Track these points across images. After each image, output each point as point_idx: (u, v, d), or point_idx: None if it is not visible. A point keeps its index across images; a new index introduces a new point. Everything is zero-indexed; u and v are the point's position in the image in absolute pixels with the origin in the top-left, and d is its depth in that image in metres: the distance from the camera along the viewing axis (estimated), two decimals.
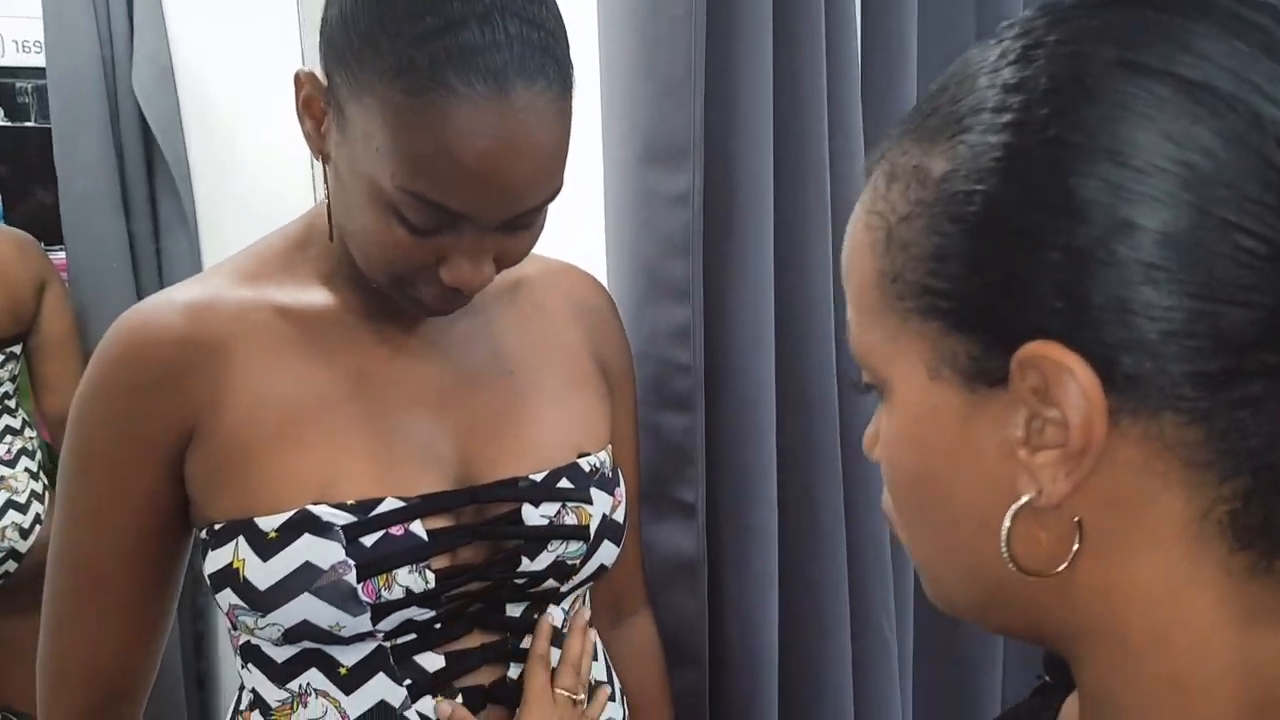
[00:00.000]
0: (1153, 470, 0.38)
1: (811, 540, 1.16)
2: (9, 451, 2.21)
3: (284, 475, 0.78)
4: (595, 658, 0.93)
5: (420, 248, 0.74)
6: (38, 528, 2.21)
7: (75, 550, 0.83)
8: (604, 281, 1.04)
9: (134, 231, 2.04)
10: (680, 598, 1.12)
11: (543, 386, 0.90)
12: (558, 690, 0.84)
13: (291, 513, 0.77)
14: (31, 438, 2.24)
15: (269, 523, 0.77)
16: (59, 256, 2.17)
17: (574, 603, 0.90)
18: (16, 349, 2.21)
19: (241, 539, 0.77)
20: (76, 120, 1.98)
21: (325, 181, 0.81)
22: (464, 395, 0.86)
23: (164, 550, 0.84)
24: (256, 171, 1.87)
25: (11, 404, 2.25)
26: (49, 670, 0.86)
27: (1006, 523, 0.40)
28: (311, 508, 0.77)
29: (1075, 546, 0.40)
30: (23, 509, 2.17)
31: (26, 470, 2.21)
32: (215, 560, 0.79)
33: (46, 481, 2.27)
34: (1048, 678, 0.55)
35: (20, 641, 1.97)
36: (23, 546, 2.17)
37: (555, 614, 0.87)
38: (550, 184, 0.74)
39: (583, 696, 0.86)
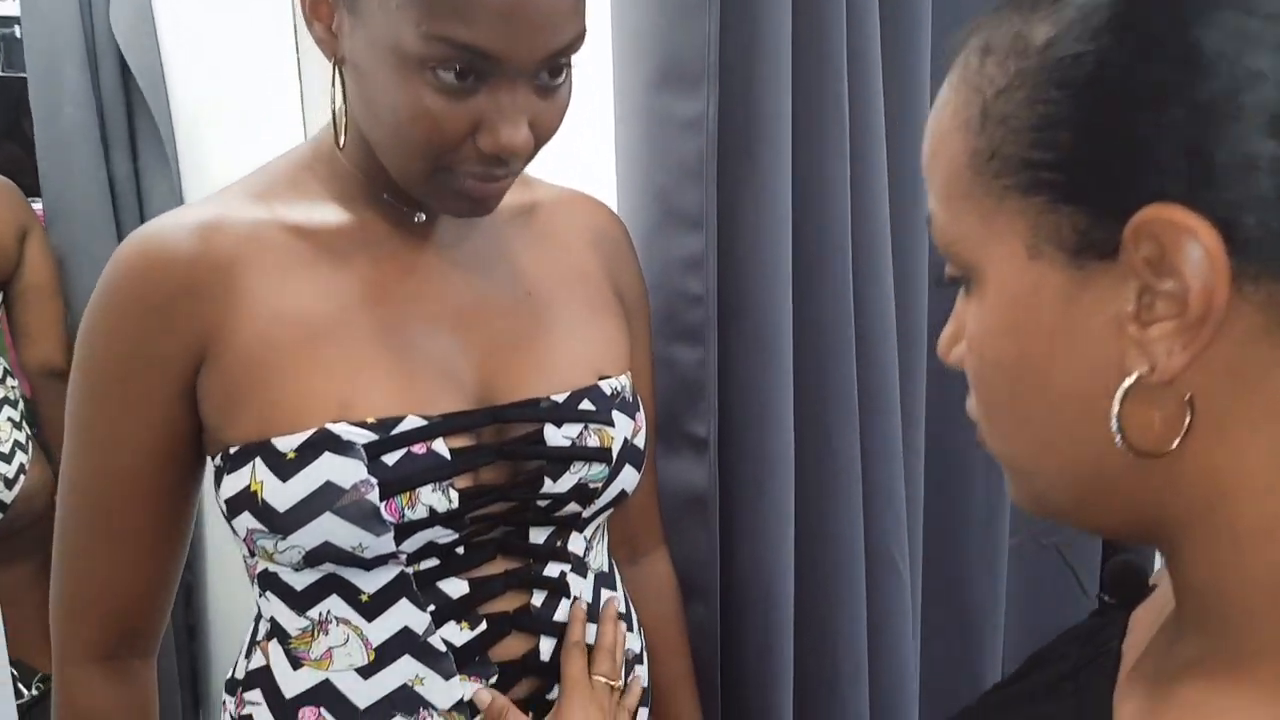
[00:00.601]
0: (1273, 340, 0.36)
1: (825, 474, 1.15)
2: None
3: (301, 394, 0.76)
4: (614, 588, 0.91)
5: (454, 114, 0.71)
6: (22, 478, 2.18)
7: (86, 479, 0.80)
8: (614, 208, 1.02)
9: (114, 174, 1.99)
10: (692, 533, 1.11)
11: (561, 308, 0.88)
12: (595, 677, 0.83)
13: (311, 432, 0.74)
14: (13, 387, 2.20)
15: (287, 443, 0.74)
16: (35, 207, 2.13)
17: (595, 531, 0.89)
18: None
19: (259, 461, 0.75)
20: (53, 61, 1.93)
21: (340, 90, 0.78)
22: (482, 315, 0.84)
23: (177, 480, 0.81)
24: (241, 111, 1.82)
25: None
26: (62, 606, 0.84)
27: (1117, 402, 0.38)
28: (331, 426, 0.75)
29: (1186, 425, 0.38)
30: (6, 459, 2.14)
31: (9, 420, 2.17)
32: (232, 484, 0.77)
33: (30, 431, 2.24)
34: (1107, 597, 0.54)
35: (10, 591, 1.94)
36: (7, 497, 2.14)
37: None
38: (577, 20, 0.73)
39: (620, 683, 0.86)
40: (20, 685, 2.04)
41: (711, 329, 1.07)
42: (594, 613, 0.87)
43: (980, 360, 0.44)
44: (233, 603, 2.14)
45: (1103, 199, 0.38)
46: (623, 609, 0.91)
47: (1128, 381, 0.38)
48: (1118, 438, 0.39)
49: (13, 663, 1.96)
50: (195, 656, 2.19)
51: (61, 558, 0.83)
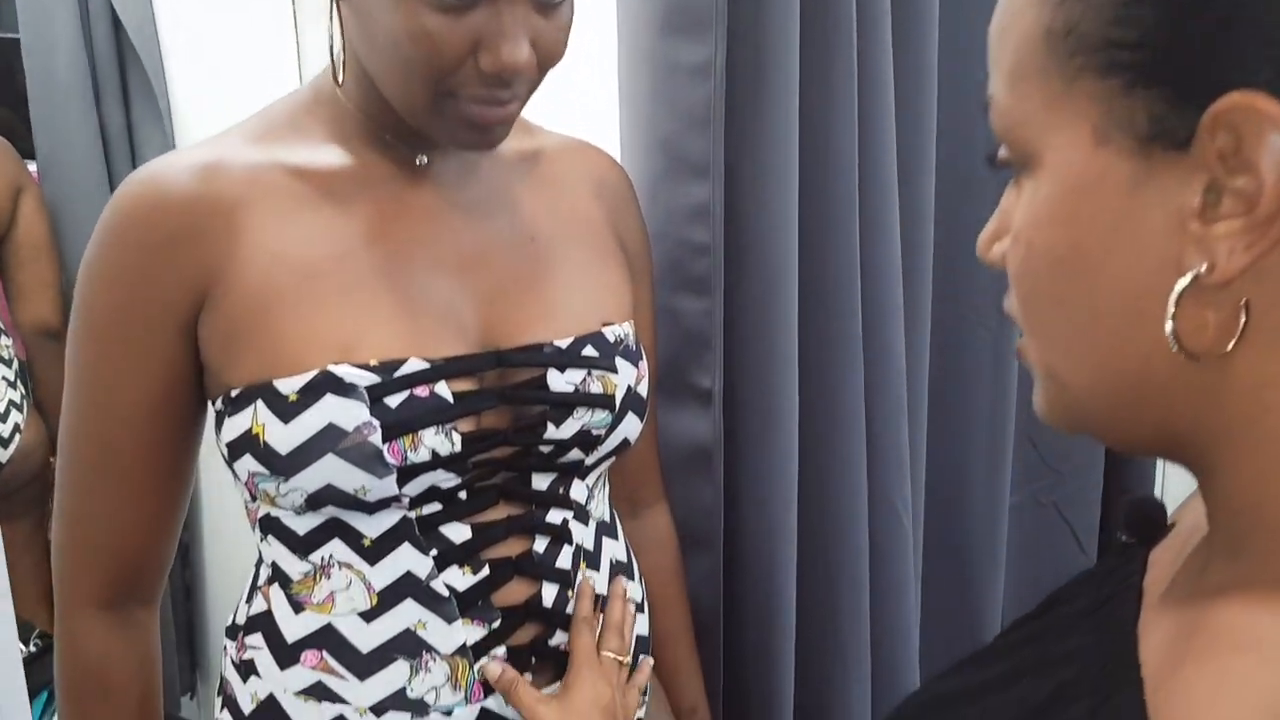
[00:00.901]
0: None
1: (828, 425, 1.14)
2: None
3: (303, 336, 0.75)
4: (615, 537, 0.91)
5: (453, 33, 0.70)
6: (17, 437, 2.17)
7: (87, 424, 0.80)
8: (618, 158, 1.00)
9: (106, 127, 1.97)
10: (696, 484, 1.10)
11: (564, 254, 0.87)
12: (604, 653, 0.83)
13: (313, 374, 0.73)
14: (7, 346, 2.19)
15: (289, 385, 0.73)
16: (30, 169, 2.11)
17: (597, 480, 0.88)
18: None
19: (260, 403, 0.74)
20: (45, 13, 1.90)
21: (338, 26, 0.77)
22: (484, 259, 0.83)
23: (178, 424, 0.80)
24: (234, 62, 1.79)
25: None
26: (64, 552, 0.83)
27: (1172, 301, 0.37)
28: (333, 368, 0.74)
29: (1240, 331, 0.36)
30: (1, 418, 2.13)
31: (3, 379, 2.16)
32: (233, 427, 0.76)
33: (24, 391, 2.22)
34: (1126, 537, 0.53)
35: (7, 550, 1.94)
36: (2, 457, 2.13)
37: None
38: None
39: (628, 659, 0.85)
40: (19, 642, 2.04)
41: (717, 279, 1.06)
42: (594, 560, 0.86)
43: (1028, 253, 0.42)
44: (230, 564, 2.14)
45: (1183, 84, 0.36)
46: (623, 558, 0.91)
47: (1184, 280, 0.37)
48: (1170, 337, 0.37)
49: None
50: (192, 617, 2.19)
51: (63, 504, 0.82)
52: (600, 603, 0.86)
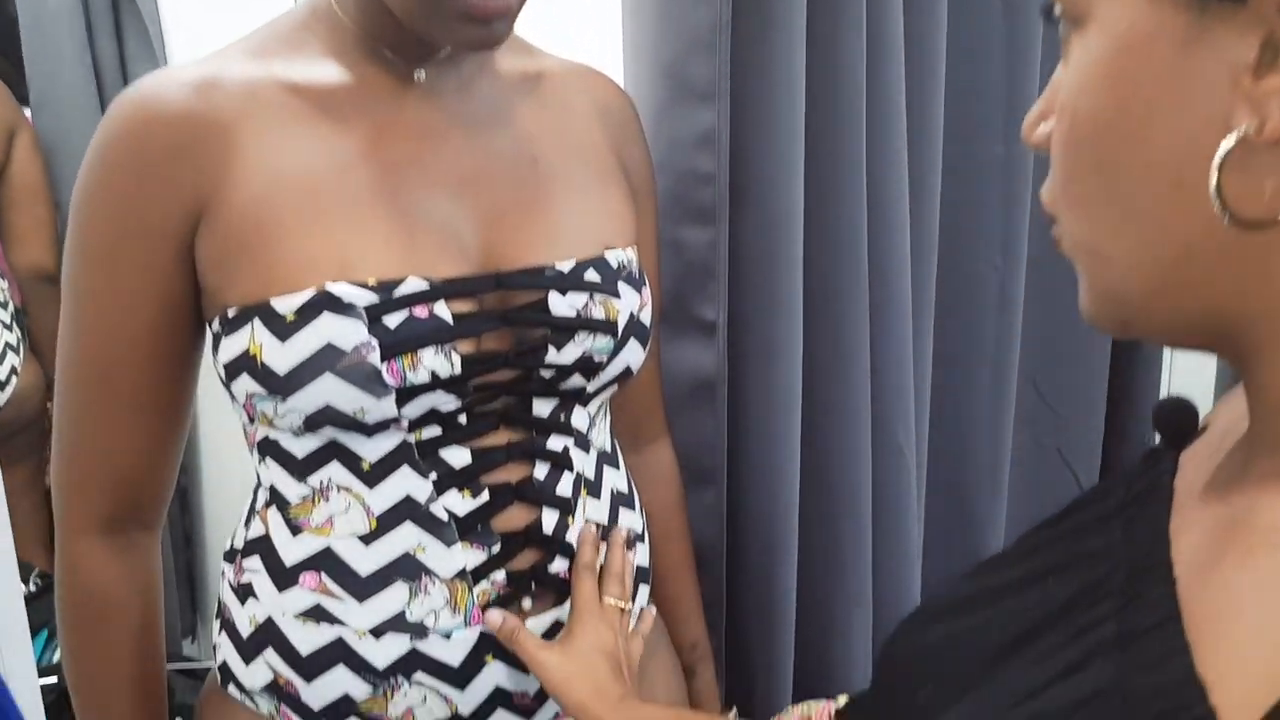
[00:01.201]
0: None
1: (832, 357, 1.12)
2: None
3: (300, 255, 0.73)
4: (616, 467, 0.90)
5: None
6: (14, 380, 2.16)
7: (84, 347, 0.78)
8: (620, 84, 0.98)
9: (99, 60, 1.94)
10: (699, 418, 1.09)
11: (567, 176, 0.85)
12: (606, 599, 0.82)
13: (310, 292, 0.72)
14: (3, 289, 2.17)
15: (286, 304, 0.72)
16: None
17: (599, 408, 0.87)
18: None
19: (257, 322, 0.73)
20: None
21: None
22: (485, 179, 0.81)
23: (176, 345, 0.79)
24: None
25: None
26: (64, 477, 0.82)
27: (1217, 158, 0.35)
28: (331, 287, 0.72)
29: None
30: None
31: (0, 323, 2.14)
32: (230, 347, 0.74)
33: (20, 334, 2.21)
34: (1158, 441, 0.51)
35: (7, 495, 1.93)
36: None
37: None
38: None
39: (630, 605, 0.84)
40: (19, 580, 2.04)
41: (722, 209, 1.04)
42: (595, 489, 0.85)
43: (1073, 122, 0.41)
44: (230, 509, 2.14)
45: None
46: (624, 488, 0.90)
47: (1232, 138, 0.35)
48: (1215, 200, 0.36)
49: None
50: (192, 560, 2.20)
51: (62, 428, 0.81)
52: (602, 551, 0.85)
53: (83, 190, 0.76)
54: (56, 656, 2.01)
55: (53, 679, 1.56)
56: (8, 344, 2.16)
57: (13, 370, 2.17)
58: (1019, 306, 1.38)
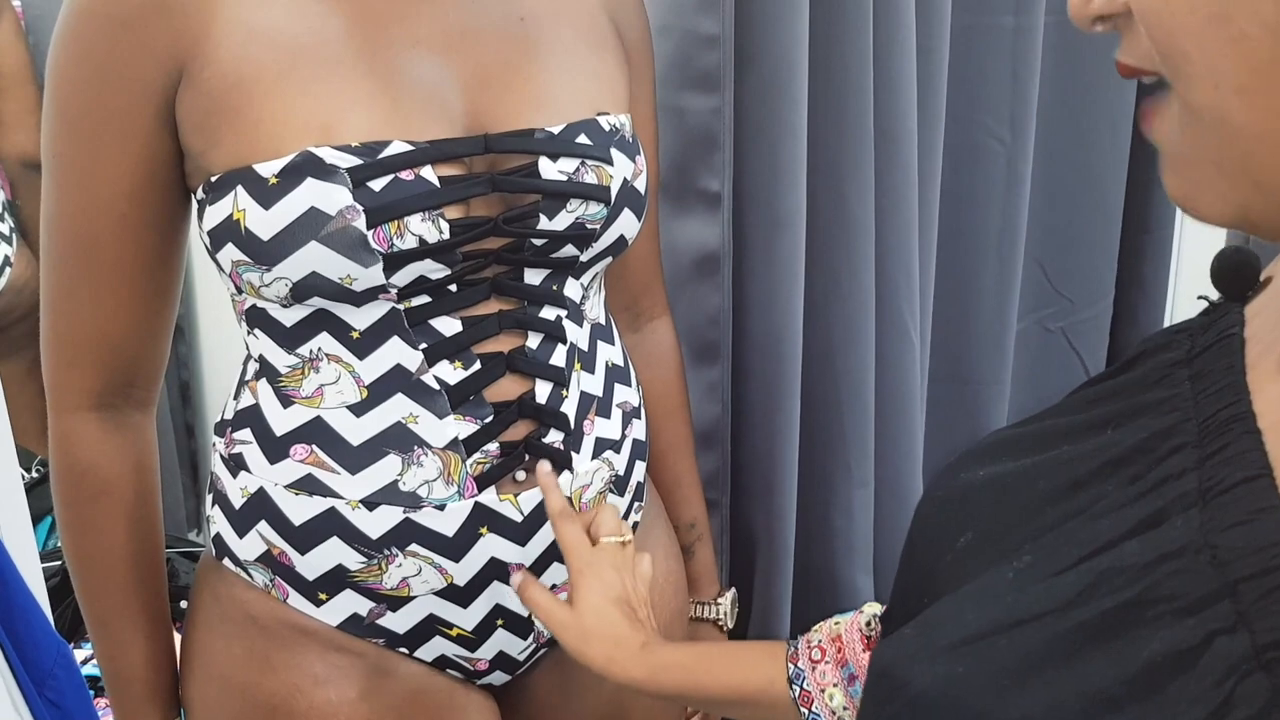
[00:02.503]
0: None
1: (840, 231, 1.09)
2: None
3: (282, 117, 0.70)
4: (611, 342, 0.87)
5: None
6: (7, 270, 2.13)
7: (68, 218, 0.75)
8: None
9: None
10: (703, 292, 1.06)
11: (557, 37, 0.80)
12: (603, 539, 0.77)
13: (292, 156, 0.69)
14: None
15: (269, 168, 0.69)
16: None
17: (593, 280, 0.84)
18: None
19: (240, 188, 0.70)
20: None
21: None
22: (471, 39, 0.77)
23: (161, 213, 0.76)
24: None
25: None
26: (54, 353, 0.79)
27: None
28: (314, 149, 0.69)
29: None
30: None
31: None
32: (214, 215, 0.71)
33: (12, 224, 2.18)
34: (1212, 298, 0.48)
35: (5, 386, 1.92)
36: None
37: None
38: None
39: (629, 537, 0.79)
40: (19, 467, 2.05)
41: (727, 74, 0.99)
42: (589, 362, 0.83)
43: None
44: None
45: None
46: (620, 361, 0.88)
47: None
48: None
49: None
50: (195, 453, 2.20)
51: (49, 303, 0.78)
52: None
53: (57, 54, 0.72)
54: (57, 542, 2.03)
55: (56, 563, 1.57)
56: (0, 234, 2.13)
57: (5, 260, 2.14)
58: (1026, 185, 1.34)
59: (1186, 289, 1.77)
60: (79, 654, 1.56)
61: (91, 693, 1.17)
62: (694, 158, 1.03)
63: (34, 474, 2.05)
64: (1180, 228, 1.62)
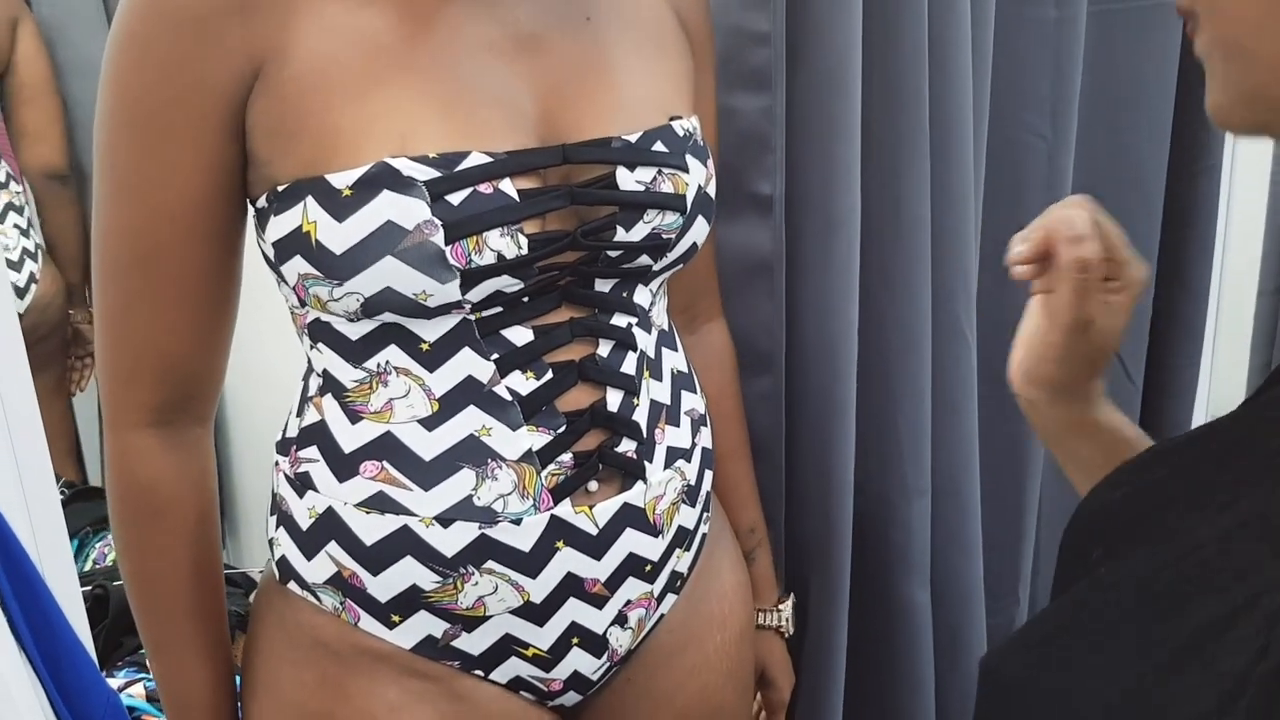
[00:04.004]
0: None
1: (896, 233, 1.07)
2: None
3: (364, 124, 0.68)
4: (674, 348, 0.86)
5: None
6: (34, 287, 2.13)
7: (129, 231, 0.72)
8: None
9: None
10: (755, 300, 1.04)
11: (625, 38, 0.79)
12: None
13: (368, 166, 0.67)
14: (18, 192, 2.12)
15: (342, 179, 0.67)
16: None
17: (659, 287, 0.83)
18: None
19: (311, 199, 0.67)
20: None
21: None
22: (540, 42, 0.75)
23: (225, 223, 0.73)
24: None
25: None
26: (111, 369, 0.76)
27: None
28: (390, 160, 0.67)
29: None
30: (16, 267, 2.08)
31: (16, 227, 2.10)
32: (280, 225, 0.69)
33: (39, 240, 2.17)
34: None
35: None
36: (20, 308, 2.08)
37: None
38: None
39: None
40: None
41: (778, 72, 0.97)
42: (657, 370, 0.82)
43: None
44: (252, 414, 2.12)
45: None
46: (684, 368, 0.86)
47: None
48: None
49: None
50: (220, 467, 2.19)
51: (106, 318, 0.75)
52: None
53: (115, 57, 0.69)
54: (87, 566, 2.02)
55: (86, 588, 1.55)
56: (25, 250, 2.11)
57: (31, 276, 2.13)
58: (1069, 179, 1.31)
59: (1230, 285, 1.74)
60: (112, 682, 1.54)
61: None
62: (745, 160, 1.01)
63: (61, 494, 2.04)
64: (1225, 224, 1.59)
